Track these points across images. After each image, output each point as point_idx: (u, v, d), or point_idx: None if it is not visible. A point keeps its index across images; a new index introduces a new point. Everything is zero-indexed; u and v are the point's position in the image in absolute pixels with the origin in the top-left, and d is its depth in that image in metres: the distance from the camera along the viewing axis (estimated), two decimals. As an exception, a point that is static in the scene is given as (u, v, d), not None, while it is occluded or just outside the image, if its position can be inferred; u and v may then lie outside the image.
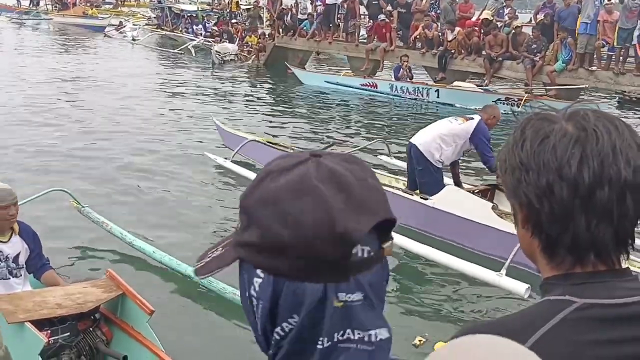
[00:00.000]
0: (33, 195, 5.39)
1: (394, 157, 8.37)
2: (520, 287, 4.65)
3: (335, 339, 0.77)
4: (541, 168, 0.90)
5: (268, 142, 8.44)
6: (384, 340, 0.79)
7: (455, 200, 6.02)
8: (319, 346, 0.77)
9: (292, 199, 0.75)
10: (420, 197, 6.25)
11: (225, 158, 8.00)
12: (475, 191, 6.37)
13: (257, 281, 0.77)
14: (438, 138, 6.26)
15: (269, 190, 0.77)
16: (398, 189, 6.53)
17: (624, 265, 0.94)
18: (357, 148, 8.80)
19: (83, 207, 5.69)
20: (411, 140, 6.52)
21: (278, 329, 0.78)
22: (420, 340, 4.32)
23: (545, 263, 0.95)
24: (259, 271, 0.77)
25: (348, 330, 0.77)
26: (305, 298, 0.76)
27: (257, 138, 8.51)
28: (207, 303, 4.75)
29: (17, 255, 3.82)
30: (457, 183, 6.63)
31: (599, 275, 0.91)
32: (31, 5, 38.42)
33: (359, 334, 0.77)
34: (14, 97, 13.15)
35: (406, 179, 6.76)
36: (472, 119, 6.36)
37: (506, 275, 4.79)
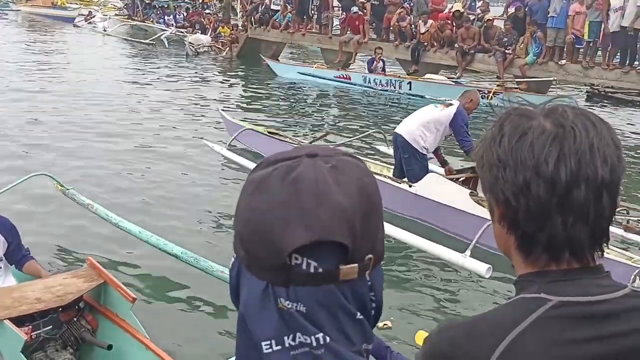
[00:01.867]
0: (15, 182, 5.30)
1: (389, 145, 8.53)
2: (481, 268, 4.94)
3: (287, 345, 0.78)
4: (518, 165, 0.90)
5: (269, 132, 8.65)
6: (330, 343, 0.78)
7: (436, 186, 6.25)
8: (266, 350, 0.78)
9: (251, 192, 0.79)
10: (405, 184, 6.49)
11: (222, 145, 8.18)
12: (460, 179, 6.57)
13: (232, 258, 0.85)
14: (421, 126, 6.49)
15: (248, 179, 0.82)
16: (385, 176, 6.72)
17: (598, 262, 0.95)
18: (353, 137, 8.95)
19: (68, 189, 5.57)
20: (396, 130, 6.75)
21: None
22: (385, 324, 4.44)
23: (521, 260, 0.95)
24: None
25: (298, 334, 0.78)
26: (249, 287, 0.80)
27: (254, 127, 8.74)
28: (195, 283, 4.72)
29: None
30: (443, 162, 6.90)
31: (574, 273, 0.92)
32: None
33: (306, 338, 0.78)
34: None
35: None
36: (452, 104, 6.59)
37: (470, 256, 5.07)
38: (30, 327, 3.29)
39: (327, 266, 0.76)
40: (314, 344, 0.77)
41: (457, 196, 6.07)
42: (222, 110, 9.91)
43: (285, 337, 0.78)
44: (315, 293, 0.77)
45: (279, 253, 0.75)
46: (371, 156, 8.43)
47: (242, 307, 0.82)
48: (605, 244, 0.94)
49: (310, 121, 11.82)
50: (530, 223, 0.91)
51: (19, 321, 3.24)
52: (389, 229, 5.56)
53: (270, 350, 0.78)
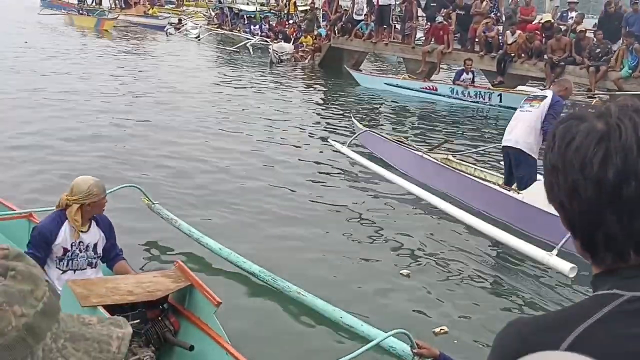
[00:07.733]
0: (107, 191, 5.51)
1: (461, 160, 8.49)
2: (565, 266, 4.87)
3: None
4: (567, 169, 0.91)
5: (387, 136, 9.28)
6: None
7: (543, 194, 6.10)
8: None
9: None
10: (512, 191, 6.57)
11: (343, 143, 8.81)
12: None
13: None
14: (530, 129, 6.41)
15: None
16: (495, 183, 6.98)
17: None
18: (471, 151, 9.21)
19: (154, 203, 5.77)
20: (503, 143, 6.77)
21: None
22: (441, 329, 4.33)
23: (590, 262, 0.96)
24: None
25: None
26: None
27: (375, 132, 9.52)
28: (272, 300, 4.75)
29: (96, 244, 3.98)
30: None
31: None
32: (94, 4, 39.55)
33: None
34: (88, 96, 12.97)
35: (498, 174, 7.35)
36: (545, 97, 6.49)
37: (556, 255, 5.02)
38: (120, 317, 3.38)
39: None
40: None
41: None
42: (354, 118, 10.57)
43: None
44: None
45: None
46: (482, 164, 8.55)
47: None
48: None
49: (388, 133, 11.70)
50: (585, 225, 0.92)
51: (110, 310, 3.35)
52: (477, 223, 5.85)
53: None
